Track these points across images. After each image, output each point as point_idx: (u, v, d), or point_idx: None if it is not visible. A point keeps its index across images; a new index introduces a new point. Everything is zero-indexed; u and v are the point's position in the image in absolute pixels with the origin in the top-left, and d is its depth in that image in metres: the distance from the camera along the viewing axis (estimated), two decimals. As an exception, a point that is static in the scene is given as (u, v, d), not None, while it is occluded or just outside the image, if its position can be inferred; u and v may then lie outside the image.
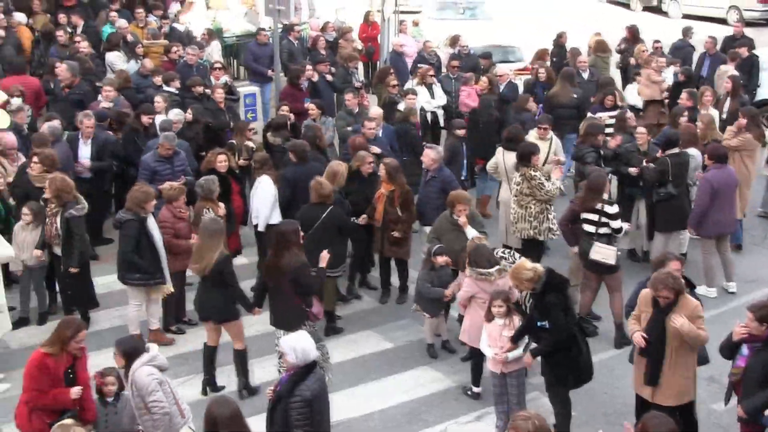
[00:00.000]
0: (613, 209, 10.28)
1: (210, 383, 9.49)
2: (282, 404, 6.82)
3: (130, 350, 7.32)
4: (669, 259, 8.51)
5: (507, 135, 12.41)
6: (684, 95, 14.23)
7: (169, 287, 10.32)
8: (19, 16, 17.57)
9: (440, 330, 10.38)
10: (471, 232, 10.05)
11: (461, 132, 13.22)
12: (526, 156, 11.17)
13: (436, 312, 10.14)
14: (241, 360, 9.43)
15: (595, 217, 10.26)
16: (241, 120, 14.47)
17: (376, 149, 12.10)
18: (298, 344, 6.92)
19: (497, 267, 9.09)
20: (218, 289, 9.13)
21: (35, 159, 10.89)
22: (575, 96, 15.13)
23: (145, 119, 12.88)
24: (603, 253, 10.15)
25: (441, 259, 9.90)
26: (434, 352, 10.33)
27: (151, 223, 10.04)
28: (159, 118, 12.84)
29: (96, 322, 10.82)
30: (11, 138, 11.61)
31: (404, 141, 13.36)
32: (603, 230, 10.24)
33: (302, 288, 8.84)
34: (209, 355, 9.47)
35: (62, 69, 13.97)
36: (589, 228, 10.31)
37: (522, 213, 11.22)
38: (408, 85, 16.07)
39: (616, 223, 10.27)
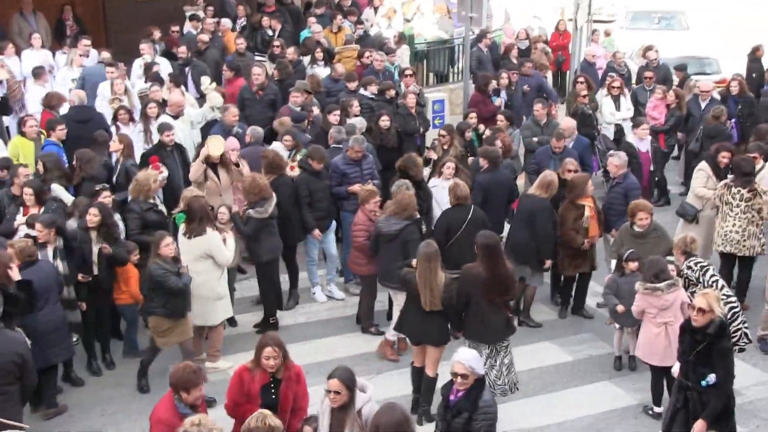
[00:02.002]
0: None
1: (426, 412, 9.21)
2: (461, 417, 6.96)
3: (352, 381, 6.98)
4: None
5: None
6: None
7: None
8: (226, 22, 18.32)
9: (628, 345, 10.16)
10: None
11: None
12: (749, 172, 10.98)
13: (628, 323, 9.87)
14: (430, 386, 9.12)
15: None
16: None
17: None
18: (476, 356, 7.14)
19: (667, 282, 8.86)
20: (438, 314, 8.99)
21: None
22: None
23: (332, 118, 13.24)
24: None
25: (633, 265, 9.72)
26: (620, 364, 10.19)
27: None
28: (356, 120, 13.17)
29: (281, 318, 11.27)
30: (233, 141, 11.98)
31: (716, 141, 13.07)
32: None
33: (510, 299, 8.78)
34: (420, 379, 9.28)
35: (258, 71, 14.58)
36: None
37: (753, 230, 10.97)
38: (598, 95, 15.83)
39: None
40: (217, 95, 13.85)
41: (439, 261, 8.89)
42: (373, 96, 14.55)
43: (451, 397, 7.11)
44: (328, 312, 11.62)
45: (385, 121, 13.42)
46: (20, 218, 10.35)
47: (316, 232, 11.52)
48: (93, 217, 9.84)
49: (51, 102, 13.26)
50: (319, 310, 11.68)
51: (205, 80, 14.51)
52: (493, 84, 15.58)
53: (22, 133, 12.32)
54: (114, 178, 11.75)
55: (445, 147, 13.01)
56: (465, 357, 7.07)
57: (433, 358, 9.09)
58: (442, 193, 11.42)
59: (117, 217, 10.47)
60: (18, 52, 15.59)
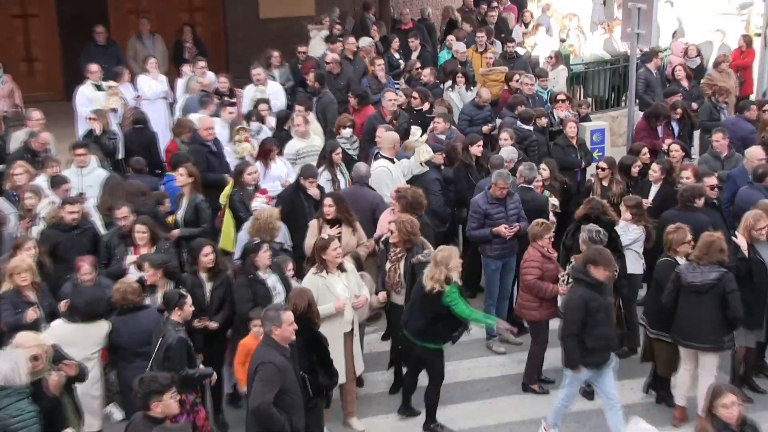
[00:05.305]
0: None
1: None
2: None
3: None
4: None
5: None
6: None
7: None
8: (367, 41, 18.47)
9: None
10: None
11: None
12: None
13: None
14: None
15: None
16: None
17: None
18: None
19: None
20: None
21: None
22: None
23: (474, 150, 13.15)
24: None
25: None
26: None
27: None
28: (506, 152, 13.03)
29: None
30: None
31: None
32: None
33: None
34: None
35: (392, 97, 14.66)
36: None
37: None
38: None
39: None
40: (427, 149, 12.95)
41: None
42: (528, 128, 14.38)
43: None
44: (487, 369, 11.61)
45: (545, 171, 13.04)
46: (130, 258, 10.64)
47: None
48: (204, 257, 10.03)
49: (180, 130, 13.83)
50: (479, 366, 11.66)
51: (416, 131, 13.64)
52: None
53: None
54: (180, 215, 11.88)
55: (605, 184, 12.77)
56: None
57: None
58: (625, 237, 11.27)
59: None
60: (133, 78, 16.24)
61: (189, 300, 9.10)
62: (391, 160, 12.81)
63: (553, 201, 12.74)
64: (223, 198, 12.21)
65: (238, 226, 12.02)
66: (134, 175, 12.87)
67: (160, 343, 8.81)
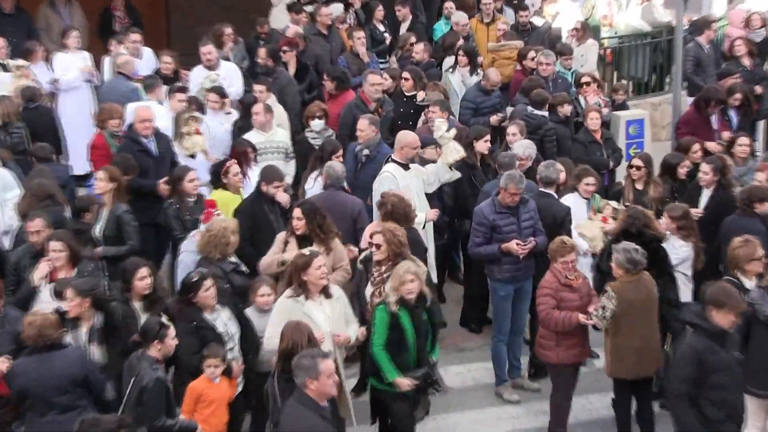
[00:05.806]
0: None
1: None
2: None
3: None
4: None
5: None
6: None
7: None
8: (338, 9, 18.42)
9: None
10: None
11: None
12: None
13: None
14: None
15: None
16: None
17: None
18: None
19: None
20: None
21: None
22: None
23: (480, 147, 13.25)
24: None
25: None
26: None
27: None
28: (520, 146, 13.08)
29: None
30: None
31: None
32: None
33: None
34: None
35: (377, 80, 14.78)
36: None
37: None
38: None
39: None
40: (456, 148, 12.58)
41: None
42: (543, 114, 14.48)
43: None
44: (497, 422, 11.62)
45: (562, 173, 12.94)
46: (43, 267, 10.51)
47: None
48: (140, 281, 10.00)
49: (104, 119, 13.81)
50: (486, 419, 11.66)
51: (441, 125, 12.87)
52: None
53: (223, 186, 12.51)
54: (99, 229, 11.87)
55: (639, 187, 12.86)
56: None
57: None
58: (671, 256, 11.30)
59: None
60: (48, 56, 16.16)
61: (172, 332, 9.11)
62: (404, 166, 12.47)
63: (614, 204, 12.70)
64: None
65: (174, 248, 12.07)
66: (39, 166, 12.83)
67: (133, 383, 8.82)
